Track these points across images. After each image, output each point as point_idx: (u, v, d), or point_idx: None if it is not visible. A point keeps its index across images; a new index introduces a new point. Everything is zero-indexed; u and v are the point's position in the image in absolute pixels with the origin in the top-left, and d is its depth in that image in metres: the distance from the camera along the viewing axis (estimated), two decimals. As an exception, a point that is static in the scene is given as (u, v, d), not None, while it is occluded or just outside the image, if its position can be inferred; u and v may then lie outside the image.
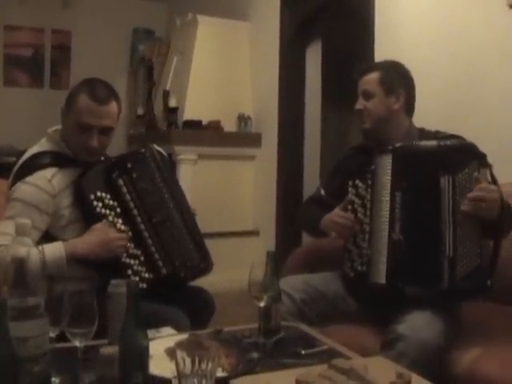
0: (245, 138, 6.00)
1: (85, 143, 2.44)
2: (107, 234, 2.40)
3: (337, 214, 2.58)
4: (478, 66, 3.63)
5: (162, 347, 1.82)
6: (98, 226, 2.42)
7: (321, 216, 2.68)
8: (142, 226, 2.51)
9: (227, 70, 6.10)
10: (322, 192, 2.89)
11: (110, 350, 1.59)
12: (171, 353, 1.74)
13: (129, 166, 2.54)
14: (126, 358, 1.55)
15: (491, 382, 2.05)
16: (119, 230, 2.46)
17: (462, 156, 2.38)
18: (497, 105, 3.52)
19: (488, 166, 2.36)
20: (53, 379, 1.59)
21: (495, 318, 2.54)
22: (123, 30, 7.58)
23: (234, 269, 4.60)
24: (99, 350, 1.60)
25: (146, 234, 2.51)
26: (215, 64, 6.05)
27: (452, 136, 2.57)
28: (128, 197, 2.50)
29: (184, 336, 1.86)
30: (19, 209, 2.33)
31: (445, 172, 2.33)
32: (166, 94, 6.01)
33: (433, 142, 2.46)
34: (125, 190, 2.50)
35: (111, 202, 2.48)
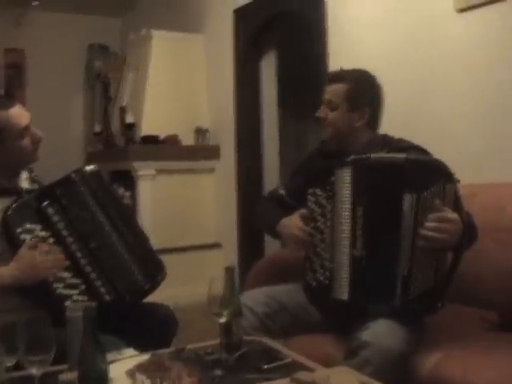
0: (203, 150, 6.00)
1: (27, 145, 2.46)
2: (33, 258, 2.30)
3: (296, 225, 2.53)
4: (432, 73, 3.67)
5: (123, 369, 1.79)
6: (22, 251, 2.31)
7: (279, 217, 2.65)
8: (79, 254, 2.41)
9: (183, 84, 6.09)
10: (282, 191, 2.84)
11: (70, 375, 1.58)
12: (132, 375, 1.73)
13: (58, 193, 2.44)
14: (85, 383, 1.53)
15: (454, 385, 2.07)
16: (48, 251, 2.35)
17: (429, 173, 2.31)
18: (450, 110, 3.57)
19: (455, 182, 2.31)
20: (11, 409, 1.57)
21: (456, 320, 2.56)
22: (78, 47, 7.55)
23: (197, 282, 4.59)
24: (58, 377, 1.57)
25: (83, 261, 2.41)
26: (171, 78, 6.03)
27: (416, 147, 2.55)
28: (60, 225, 2.41)
29: (145, 357, 1.85)
30: None
31: (410, 189, 2.25)
32: (123, 110, 5.99)
33: (401, 156, 2.36)
34: (56, 218, 2.40)
35: (42, 233, 2.38)
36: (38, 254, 2.31)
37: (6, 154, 2.43)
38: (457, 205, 2.31)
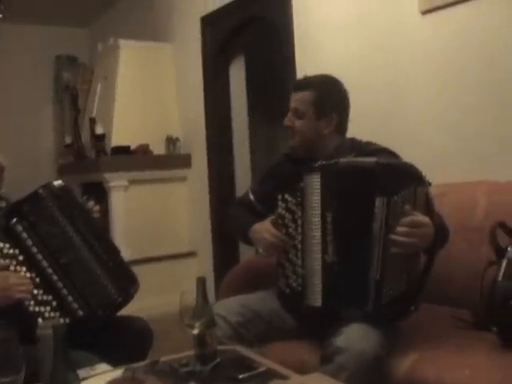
0: (174, 159, 6.00)
1: None
2: (6, 279, 2.29)
3: (268, 231, 2.52)
4: (399, 77, 3.70)
5: (96, 385, 1.79)
6: None
7: (251, 223, 2.64)
8: (50, 270, 2.40)
9: (153, 93, 6.08)
10: (251, 197, 2.83)
11: (41, 394, 1.55)
12: (106, 391, 1.72)
13: (26, 209, 2.42)
14: (57, 402, 1.52)
15: (429, 386, 2.08)
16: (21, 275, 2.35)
17: (400, 177, 2.30)
18: (419, 112, 3.59)
19: (426, 185, 2.30)
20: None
21: (429, 320, 2.57)
22: (46, 58, 7.51)
23: (172, 292, 4.56)
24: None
25: (54, 277, 2.40)
26: (140, 87, 6.02)
27: (384, 150, 2.56)
28: (29, 242, 2.39)
29: (119, 372, 1.84)
30: None
31: (381, 193, 2.24)
32: (93, 121, 5.96)
33: (371, 160, 2.35)
34: (25, 235, 2.39)
35: (11, 251, 2.37)
36: (11, 277, 2.30)
37: None
38: (428, 208, 2.31)
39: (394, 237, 2.23)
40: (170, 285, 5.28)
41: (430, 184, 2.32)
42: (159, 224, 5.85)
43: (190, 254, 5.93)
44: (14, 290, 2.29)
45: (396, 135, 3.47)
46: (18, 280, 2.33)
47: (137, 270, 2.73)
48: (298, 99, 2.64)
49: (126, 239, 5.00)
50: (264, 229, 2.55)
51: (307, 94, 2.61)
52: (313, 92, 2.61)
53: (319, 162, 2.42)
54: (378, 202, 2.25)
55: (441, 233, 2.33)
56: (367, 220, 2.27)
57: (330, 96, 2.64)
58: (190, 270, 5.62)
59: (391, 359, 2.24)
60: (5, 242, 2.37)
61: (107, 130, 5.80)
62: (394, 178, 2.30)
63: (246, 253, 5.04)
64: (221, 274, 3.19)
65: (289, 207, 2.48)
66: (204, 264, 5.65)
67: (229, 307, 2.56)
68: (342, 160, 2.41)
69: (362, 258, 2.29)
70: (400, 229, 2.22)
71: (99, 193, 5.36)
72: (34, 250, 2.40)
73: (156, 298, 4.90)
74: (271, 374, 1.93)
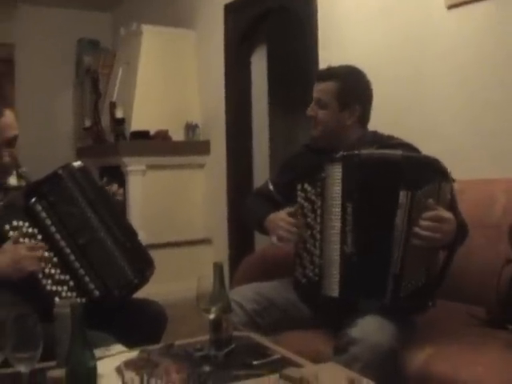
0: (193, 146, 6.00)
1: None
2: (17, 251, 2.29)
3: (284, 220, 2.51)
4: (422, 70, 3.68)
5: (111, 366, 1.80)
6: (7, 245, 2.32)
7: (267, 212, 2.64)
8: (67, 250, 2.41)
9: (173, 79, 6.07)
10: (271, 186, 2.83)
11: (58, 372, 1.57)
12: (121, 371, 1.73)
13: (45, 189, 2.44)
14: (72, 381, 1.53)
15: (444, 381, 2.07)
16: (33, 247, 2.35)
17: (426, 172, 2.29)
18: (439, 107, 3.57)
19: (450, 181, 2.30)
20: (-2, 406, 1.57)
21: (445, 316, 2.57)
22: (68, 42, 7.51)
23: (186, 278, 4.58)
24: (46, 374, 1.57)
25: (72, 257, 2.41)
26: (161, 73, 6.02)
27: (407, 145, 2.54)
28: (48, 222, 2.40)
29: (134, 353, 1.85)
30: None
31: (405, 186, 2.24)
32: (113, 106, 5.97)
33: (396, 152, 2.35)
34: (44, 215, 2.40)
35: (30, 230, 2.38)
36: (22, 248, 2.31)
37: None
38: (452, 204, 2.31)
39: (416, 230, 2.22)
40: (184, 271, 5.31)
41: (454, 181, 2.31)
42: (175, 210, 5.86)
43: (206, 241, 5.95)
44: (26, 263, 2.30)
45: (414, 129, 3.45)
46: (29, 252, 2.32)
47: (152, 254, 2.73)
48: (321, 89, 2.63)
49: (142, 223, 4.99)
50: (279, 218, 2.54)
51: (331, 85, 2.60)
52: (337, 83, 2.60)
53: (341, 153, 2.41)
54: (402, 195, 2.24)
55: (461, 229, 2.32)
56: (390, 213, 2.27)
57: (354, 87, 2.63)
58: (204, 256, 5.65)
59: (406, 353, 2.24)
60: (24, 221, 2.38)
61: (127, 115, 5.81)
62: (419, 171, 2.30)
63: (261, 242, 5.04)
64: (236, 263, 3.19)
65: (308, 197, 2.47)
66: (219, 251, 5.66)
67: (244, 294, 2.57)
68: (364, 151, 2.40)
69: (382, 250, 2.29)
70: (423, 222, 2.22)
71: (116, 177, 5.37)
72: (53, 229, 2.41)
73: (170, 284, 4.92)
74: (285, 361, 1.94)
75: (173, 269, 5.21)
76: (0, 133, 2.33)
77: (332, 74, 2.66)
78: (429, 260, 2.32)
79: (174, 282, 5.01)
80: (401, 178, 2.27)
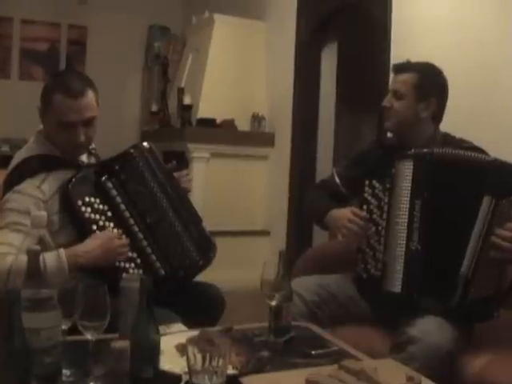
0: (258, 137, 6.00)
1: (71, 140, 2.36)
2: (112, 242, 2.33)
3: (348, 218, 2.50)
4: (497, 73, 3.61)
5: (172, 343, 1.83)
6: (101, 234, 2.35)
7: (329, 208, 2.64)
8: (136, 228, 2.45)
9: (242, 69, 6.10)
10: (337, 179, 2.81)
11: (122, 344, 1.59)
12: (181, 349, 1.75)
13: (117, 168, 2.47)
14: (137, 353, 1.56)
15: (500, 388, 2.05)
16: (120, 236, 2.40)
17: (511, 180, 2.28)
18: (507, 118, 3.50)
19: None
20: (64, 371, 1.59)
21: (505, 325, 2.52)
22: (139, 27, 7.59)
23: (243, 268, 4.61)
24: (110, 344, 1.60)
25: (140, 235, 2.45)
26: (230, 63, 6.05)
27: (479, 149, 2.51)
28: (118, 199, 2.44)
29: (195, 332, 1.86)
30: (13, 218, 2.23)
31: (490, 193, 2.22)
32: (181, 92, 6.02)
33: (483, 156, 2.35)
34: (114, 192, 2.43)
35: (101, 207, 2.40)
36: (114, 237, 2.36)
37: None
38: None
39: (496, 240, 2.20)
40: (241, 261, 5.33)
41: None
42: (236, 199, 5.88)
43: (264, 233, 5.96)
44: (116, 253, 2.35)
45: (484, 141, 3.40)
46: (120, 242, 2.37)
47: (211, 239, 2.76)
48: (399, 81, 2.63)
49: (202, 210, 5.01)
50: (345, 216, 2.53)
51: (410, 76, 2.60)
52: (415, 74, 2.59)
53: (412, 150, 2.41)
54: (486, 201, 2.23)
55: None
56: (468, 216, 2.25)
57: (432, 79, 2.62)
58: (262, 248, 5.66)
59: (463, 358, 2.21)
60: (95, 198, 2.41)
61: (195, 102, 5.84)
62: (506, 180, 2.27)
63: (319, 237, 5.03)
64: (293, 255, 3.19)
65: (375, 193, 2.49)
66: (277, 244, 5.62)
67: (306, 286, 2.58)
68: (436, 150, 2.40)
69: (454, 252, 2.28)
70: (504, 233, 2.19)
71: (182, 162, 5.41)
72: (123, 207, 2.45)
73: (226, 272, 4.93)
74: (343, 353, 1.94)
75: (229, 258, 5.21)
76: (79, 112, 2.33)
77: (411, 66, 2.67)
78: (502, 271, 2.28)
79: (230, 271, 5.01)
80: (485, 182, 2.26)
